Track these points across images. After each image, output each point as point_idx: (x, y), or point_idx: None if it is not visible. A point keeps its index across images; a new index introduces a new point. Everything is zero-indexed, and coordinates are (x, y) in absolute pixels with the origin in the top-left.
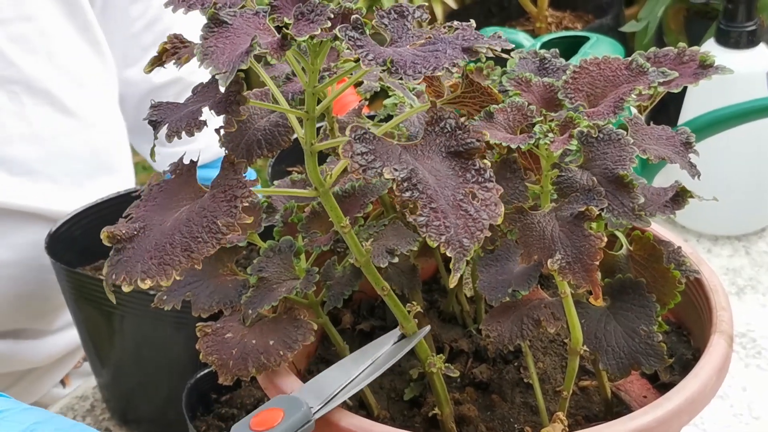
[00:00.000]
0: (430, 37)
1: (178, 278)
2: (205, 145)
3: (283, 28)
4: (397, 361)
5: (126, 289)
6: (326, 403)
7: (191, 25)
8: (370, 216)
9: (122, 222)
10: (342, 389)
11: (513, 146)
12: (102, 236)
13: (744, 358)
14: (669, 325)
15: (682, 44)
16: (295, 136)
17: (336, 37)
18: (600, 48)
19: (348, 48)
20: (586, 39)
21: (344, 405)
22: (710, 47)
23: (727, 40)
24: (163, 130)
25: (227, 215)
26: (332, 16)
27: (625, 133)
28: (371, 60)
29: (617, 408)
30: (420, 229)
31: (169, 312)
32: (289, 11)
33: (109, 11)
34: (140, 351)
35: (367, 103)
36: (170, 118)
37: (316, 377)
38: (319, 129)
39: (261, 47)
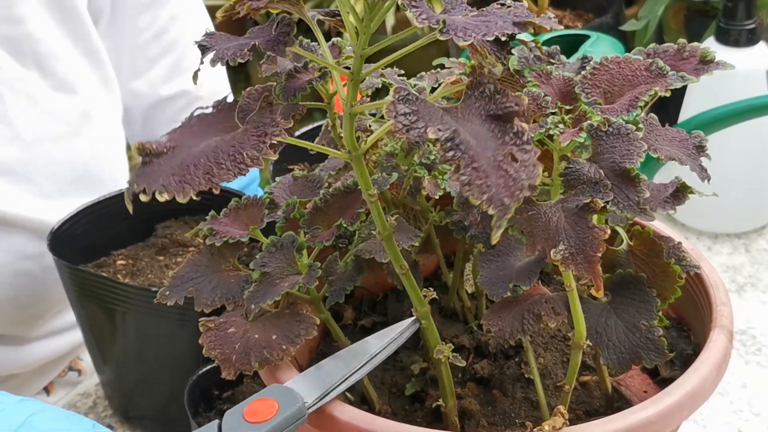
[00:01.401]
0: (483, 10)
1: (195, 198)
2: None
3: None
4: (399, 357)
5: (143, 198)
6: (321, 398)
7: (199, 36)
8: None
9: (156, 139)
10: (338, 384)
11: None
12: (133, 146)
13: (744, 355)
14: (669, 320)
15: (682, 40)
16: (297, 133)
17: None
18: (600, 46)
19: (403, 7)
20: (586, 37)
21: (345, 399)
22: (710, 46)
23: (727, 38)
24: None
25: (254, 148)
26: None
27: (634, 127)
28: (424, 19)
29: (618, 403)
30: (463, 187)
31: (171, 308)
32: None
33: (117, 22)
34: (142, 348)
35: (369, 99)
36: (219, 46)
37: (314, 367)
38: (318, 128)
39: None
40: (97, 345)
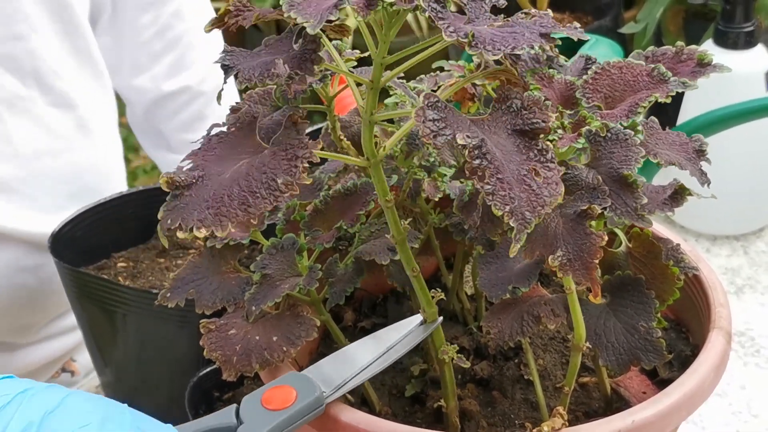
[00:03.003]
0: (508, 20)
1: (233, 230)
2: None
3: None
4: (399, 358)
5: (181, 235)
6: (338, 389)
7: (203, 34)
8: (371, 214)
9: (181, 168)
10: (354, 377)
11: None
12: (160, 182)
13: (743, 356)
14: (668, 322)
15: (680, 43)
16: None
17: (417, 8)
18: (599, 49)
19: (431, 20)
20: (585, 40)
21: (346, 400)
22: (708, 48)
23: (726, 40)
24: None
25: (287, 174)
26: None
27: (633, 133)
28: (452, 32)
29: (617, 404)
30: (486, 197)
31: (172, 310)
32: None
33: (118, 19)
34: (143, 350)
35: None
36: (243, 65)
37: (321, 362)
38: (317, 131)
39: (350, 3)
40: (98, 347)
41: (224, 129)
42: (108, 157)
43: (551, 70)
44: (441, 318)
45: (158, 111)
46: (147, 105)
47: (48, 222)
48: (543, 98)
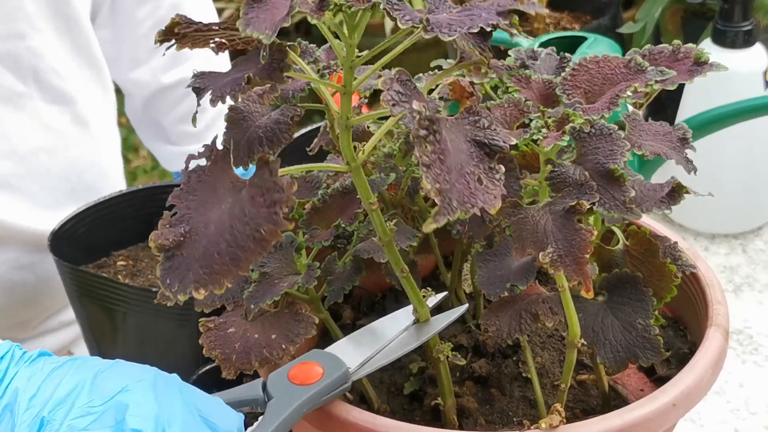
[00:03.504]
0: (466, 5)
1: (229, 285)
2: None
3: None
4: (397, 357)
5: (182, 298)
6: (362, 366)
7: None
8: None
9: (166, 221)
10: (376, 354)
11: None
12: (151, 245)
13: (741, 354)
14: (666, 319)
15: (677, 42)
16: (296, 134)
17: (375, 5)
18: (598, 48)
19: (386, 12)
20: (583, 39)
21: (345, 398)
22: (707, 47)
23: (724, 39)
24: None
25: (269, 222)
26: None
27: (617, 127)
28: (408, 20)
29: (614, 401)
30: (421, 167)
31: (171, 308)
32: None
33: (117, 13)
34: (143, 348)
35: (366, 101)
36: (214, 85)
37: (341, 341)
38: (316, 130)
39: (300, 8)
40: (98, 345)
41: (200, 162)
42: (106, 155)
43: (528, 71)
44: (466, 305)
45: (157, 103)
46: (146, 97)
47: (46, 219)
48: (523, 99)
